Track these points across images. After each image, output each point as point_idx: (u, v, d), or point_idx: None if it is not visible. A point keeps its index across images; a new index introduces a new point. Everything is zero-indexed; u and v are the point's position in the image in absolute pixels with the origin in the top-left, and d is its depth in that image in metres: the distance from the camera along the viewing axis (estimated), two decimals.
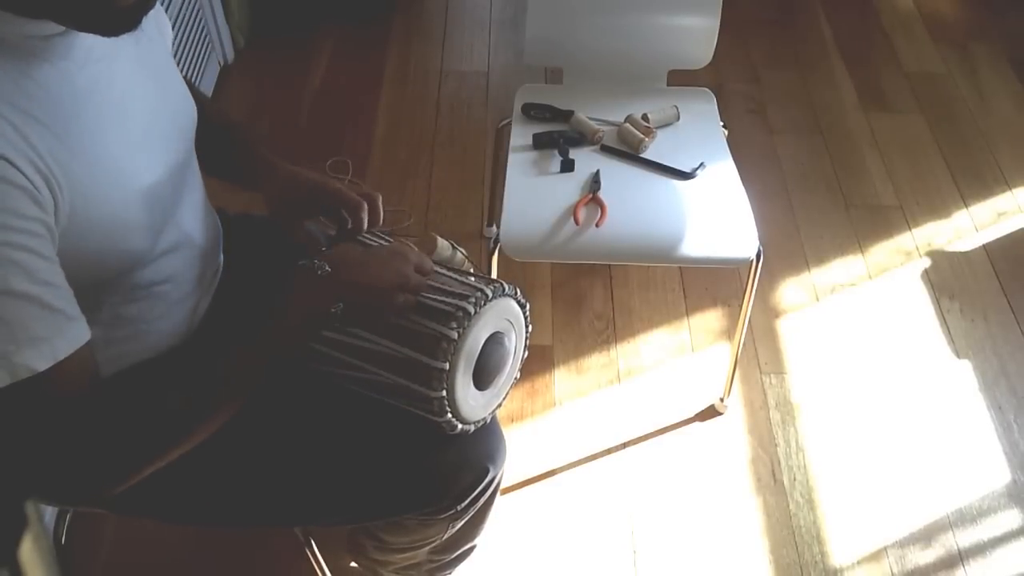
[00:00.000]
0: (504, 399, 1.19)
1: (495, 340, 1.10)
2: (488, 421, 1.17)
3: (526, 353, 1.21)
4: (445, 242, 1.12)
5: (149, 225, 0.98)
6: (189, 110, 1.08)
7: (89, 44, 0.90)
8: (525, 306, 1.16)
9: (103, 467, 0.88)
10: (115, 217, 0.91)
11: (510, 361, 1.15)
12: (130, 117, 0.95)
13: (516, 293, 1.12)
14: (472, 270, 1.16)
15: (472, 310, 1.03)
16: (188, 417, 0.93)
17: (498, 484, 1.27)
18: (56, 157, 0.83)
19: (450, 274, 1.09)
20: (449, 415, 1.06)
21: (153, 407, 0.91)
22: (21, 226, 0.78)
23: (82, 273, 0.89)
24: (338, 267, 0.99)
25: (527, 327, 1.18)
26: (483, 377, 1.10)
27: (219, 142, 1.19)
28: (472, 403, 1.10)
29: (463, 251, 1.16)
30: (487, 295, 1.05)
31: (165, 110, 1.03)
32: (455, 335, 1.02)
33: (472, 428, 1.12)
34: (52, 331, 0.81)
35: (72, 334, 0.83)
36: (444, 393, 1.04)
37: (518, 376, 1.21)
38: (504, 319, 1.12)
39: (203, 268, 1.15)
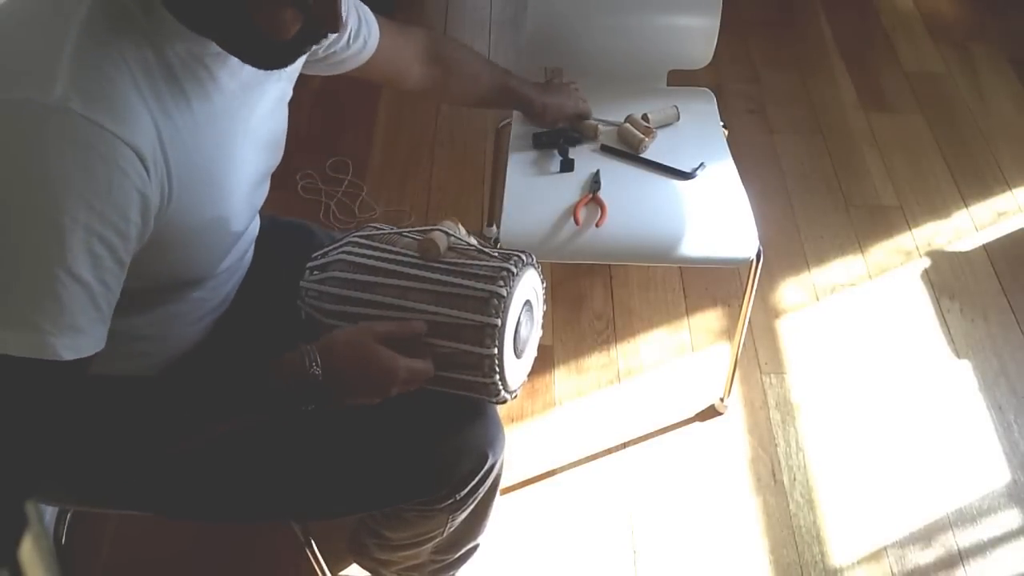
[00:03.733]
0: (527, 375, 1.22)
1: (526, 307, 1.14)
2: (517, 396, 1.18)
3: (540, 332, 1.24)
4: (444, 238, 1.12)
5: (226, 243, 1.03)
6: (280, 154, 1.12)
7: (237, 71, 0.93)
8: (537, 265, 1.18)
9: (74, 455, 0.89)
10: (204, 230, 0.95)
11: (538, 330, 1.19)
12: (247, 149, 0.99)
13: (530, 259, 1.15)
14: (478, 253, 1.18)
15: (514, 269, 1.07)
16: (162, 435, 0.95)
17: (498, 475, 1.27)
18: (179, 163, 0.87)
19: (457, 278, 1.10)
20: (497, 377, 1.08)
21: (133, 418, 0.92)
22: (119, 227, 0.81)
23: (156, 272, 0.94)
24: (330, 377, 0.98)
25: (543, 281, 1.21)
26: (518, 344, 1.13)
27: (483, 79, 1.52)
28: (514, 368, 1.13)
29: (456, 233, 1.17)
30: (522, 259, 1.10)
31: (272, 145, 1.07)
32: (504, 292, 1.05)
33: (510, 399, 1.14)
34: (89, 328, 0.83)
35: (99, 338, 0.85)
36: (496, 351, 1.06)
37: (535, 354, 1.23)
38: (531, 287, 1.15)
39: (234, 286, 1.18)
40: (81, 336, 0.82)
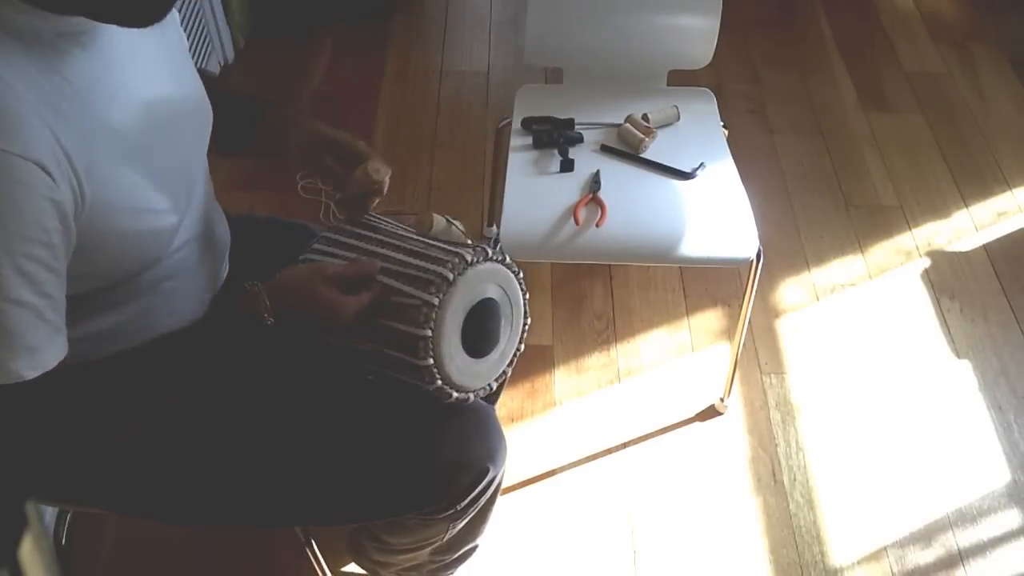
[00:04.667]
0: (510, 368, 1.19)
1: (485, 305, 1.11)
2: (492, 389, 1.16)
3: (528, 321, 1.20)
4: (442, 219, 1.15)
5: (166, 222, 1.00)
6: (206, 110, 1.10)
7: (115, 40, 0.91)
8: (518, 272, 1.16)
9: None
10: (134, 213, 0.93)
11: (504, 326, 1.15)
12: (152, 114, 0.96)
13: (504, 258, 1.12)
14: (469, 242, 1.18)
15: (451, 276, 1.05)
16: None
17: (499, 484, 1.27)
18: (81, 155, 0.84)
19: (435, 242, 1.11)
20: (439, 383, 1.07)
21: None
22: (41, 239, 0.81)
23: (101, 269, 0.91)
24: (281, 318, 1.00)
25: (523, 293, 1.18)
26: (476, 344, 1.11)
27: (242, 115, 1.20)
28: (464, 370, 1.10)
29: (459, 225, 1.18)
30: (467, 260, 1.07)
31: (185, 108, 1.04)
32: (436, 301, 1.03)
33: (472, 397, 1.12)
34: (45, 342, 0.84)
35: (59, 347, 0.86)
36: (432, 362, 1.05)
37: (522, 348, 1.20)
38: (493, 284, 1.12)
39: (212, 267, 1.16)
40: (38, 353, 0.83)
